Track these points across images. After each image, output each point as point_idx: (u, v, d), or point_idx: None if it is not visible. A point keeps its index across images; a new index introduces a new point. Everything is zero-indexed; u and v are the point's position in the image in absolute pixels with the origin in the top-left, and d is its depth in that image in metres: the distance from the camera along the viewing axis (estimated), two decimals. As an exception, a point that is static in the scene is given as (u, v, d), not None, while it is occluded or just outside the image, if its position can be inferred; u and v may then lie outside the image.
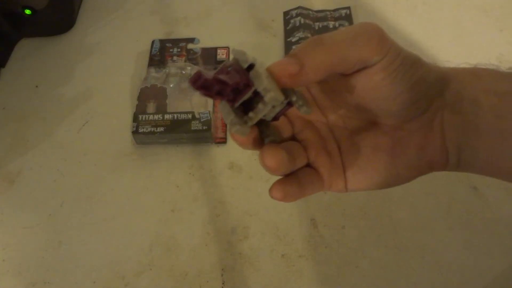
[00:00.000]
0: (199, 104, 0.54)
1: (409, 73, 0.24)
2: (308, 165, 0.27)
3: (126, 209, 0.49)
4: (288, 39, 0.61)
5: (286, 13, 0.64)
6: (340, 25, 0.62)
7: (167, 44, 0.62)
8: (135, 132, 0.51)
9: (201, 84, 0.21)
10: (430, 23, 0.61)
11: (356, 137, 0.28)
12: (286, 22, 0.63)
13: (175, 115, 0.52)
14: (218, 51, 0.60)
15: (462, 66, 0.28)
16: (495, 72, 0.25)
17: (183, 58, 0.60)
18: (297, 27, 0.61)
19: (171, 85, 0.55)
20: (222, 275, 0.44)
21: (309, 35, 0.60)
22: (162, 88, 0.55)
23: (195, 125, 0.51)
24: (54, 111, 0.58)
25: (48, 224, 0.49)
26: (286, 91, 0.24)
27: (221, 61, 0.59)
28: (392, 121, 0.27)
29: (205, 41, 0.62)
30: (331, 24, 0.62)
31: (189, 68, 0.56)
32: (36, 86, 0.61)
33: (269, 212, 0.47)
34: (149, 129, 0.51)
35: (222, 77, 0.21)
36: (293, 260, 0.44)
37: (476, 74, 0.26)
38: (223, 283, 0.44)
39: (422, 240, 0.44)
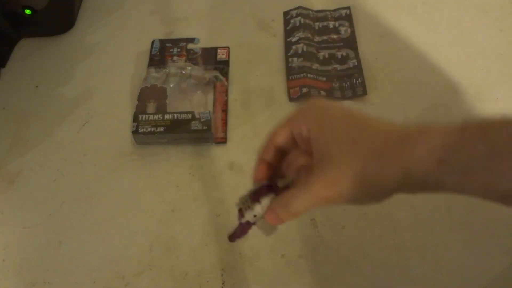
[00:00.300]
0: (199, 104, 0.54)
1: (363, 191, 0.29)
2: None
3: (126, 209, 0.49)
4: (288, 39, 0.61)
5: (286, 13, 0.64)
6: (340, 25, 0.62)
7: (167, 44, 0.62)
8: (135, 132, 0.51)
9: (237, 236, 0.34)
10: (430, 23, 0.61)
11: None
12: (286, 22, 0.63)
13: (175, 115, 0.52)
14: (218, 51, 0.60)
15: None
16: (464, 152, 0.26)
17: (183, 58, 0.60)
18: (297, 27, 0.61)
19: (171, 85, 0.55)
20: (222, 275, 0.44)
21: (309, 35, 0.60)
22: (162, 88, 0.55)
23: (195, 125, 0.51)
24: (54, 111, 0.58)
25: (48, 224, 0.49)
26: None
27: (221, 61, 0.59)
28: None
29: (205, 41, 0.62)
30: (331, 24, 0.62)
31: (189, 68, 0.56)
32: (36, 86, 0.61)
33: (269, 212, 0.47)
34: (149, 129, 0.51)
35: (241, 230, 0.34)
36: (293, 260, 0.44)
37: (442, 159, 0.27)
38: (223, 283, 0.44)
39: (422, 240, 0.44)
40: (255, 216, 0.33)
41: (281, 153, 0.35)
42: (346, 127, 0.30)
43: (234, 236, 0.34)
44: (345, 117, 0.31)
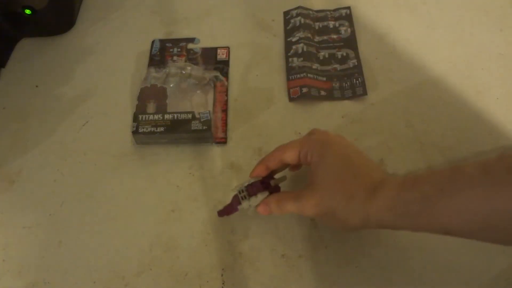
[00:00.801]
0: (199, 104, 0.54)
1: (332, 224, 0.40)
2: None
3: (126, 209, 0.49)
4: (288, 39, 0.61)
5: (286, 13, 0.64)
6: (340, 25, 0.62)
7: (167, 44, 0.62)
8: (135, 132, 0.51)
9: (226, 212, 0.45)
10: (430, 23, 0.61)
11: None
12: (286, 22, 0.63)
13: (175, 115, 0.52)
14: (218, 51, 0.60)
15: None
16: (404, 201, 0.33)
17: (183, 58, 0.60)
18: (297, 27, 0.61)
19: (171, 85, 0.56)
20: (222, 275, 0.44)
21: (309, 35, 0.60)
22: (162, 88, 0.55)
23: (195, 125, 0.51)
24: (54, 111, 0.58)
25: (48, 224, 0.49)
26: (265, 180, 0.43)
27: (221, 61, 0.59)
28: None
29: (205, 41, 0.62)
30: (331, 24, 0.62)
31: (189, 68, 0.56)
32: (36, 86, 0.61)
33: (269, 212, 0.47)
34: (149, 129, 0.51)
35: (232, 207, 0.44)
36: (293, 260, 0.44)
37: (390, 207, 0.34)
38: (223, 283, 0.44)
39: (422, 240, 0.44)
40: (250, 205, 0.42)
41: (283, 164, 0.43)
42: (338, 166, 0.37)
43: (223, 213, 0.44)
44: (342, 157, 0.38)
